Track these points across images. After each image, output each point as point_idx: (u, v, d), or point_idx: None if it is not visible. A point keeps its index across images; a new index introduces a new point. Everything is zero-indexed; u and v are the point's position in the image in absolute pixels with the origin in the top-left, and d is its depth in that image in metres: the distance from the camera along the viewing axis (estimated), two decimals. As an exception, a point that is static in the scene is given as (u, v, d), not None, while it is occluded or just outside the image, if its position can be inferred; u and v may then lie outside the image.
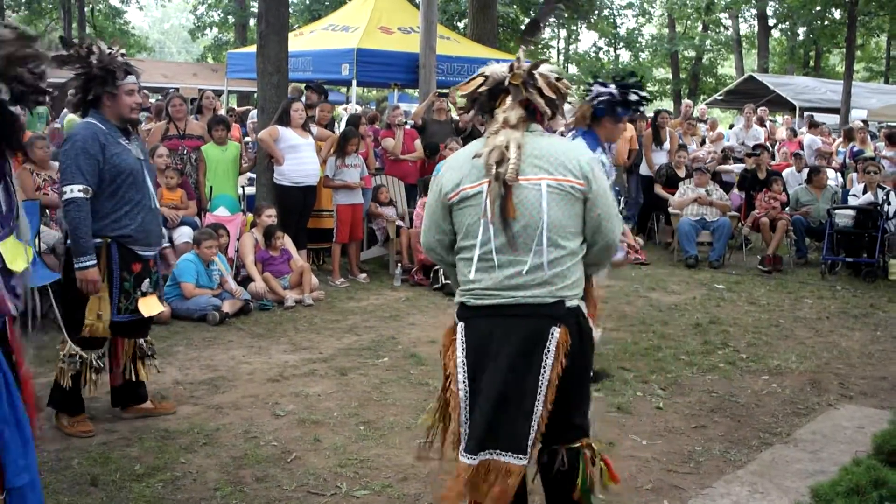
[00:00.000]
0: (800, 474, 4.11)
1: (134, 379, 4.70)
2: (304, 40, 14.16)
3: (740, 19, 36.31)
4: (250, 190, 9.34)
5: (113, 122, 4.40)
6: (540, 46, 34.21)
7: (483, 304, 2.89)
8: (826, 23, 28.41)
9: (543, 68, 2.97)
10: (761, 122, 15.28)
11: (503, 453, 2.82)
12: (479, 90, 3.00)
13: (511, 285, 2.84)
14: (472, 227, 2.89)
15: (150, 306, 4.52)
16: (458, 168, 2.97)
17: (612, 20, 36.03)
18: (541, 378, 2.81)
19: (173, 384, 5.27)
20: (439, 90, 12.02)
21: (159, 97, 17.15)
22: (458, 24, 24.56)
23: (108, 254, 4.35)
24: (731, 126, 17.75)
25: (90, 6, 39.90)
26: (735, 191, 11.47)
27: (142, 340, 4.71)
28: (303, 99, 9.55)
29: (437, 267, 8.27)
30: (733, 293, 8.48)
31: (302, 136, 8.21)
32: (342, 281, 8.41)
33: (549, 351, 2.81)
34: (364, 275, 8.68)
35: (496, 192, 2.81)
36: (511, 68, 2.95)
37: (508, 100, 2.94)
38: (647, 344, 6.37)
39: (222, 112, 11.36)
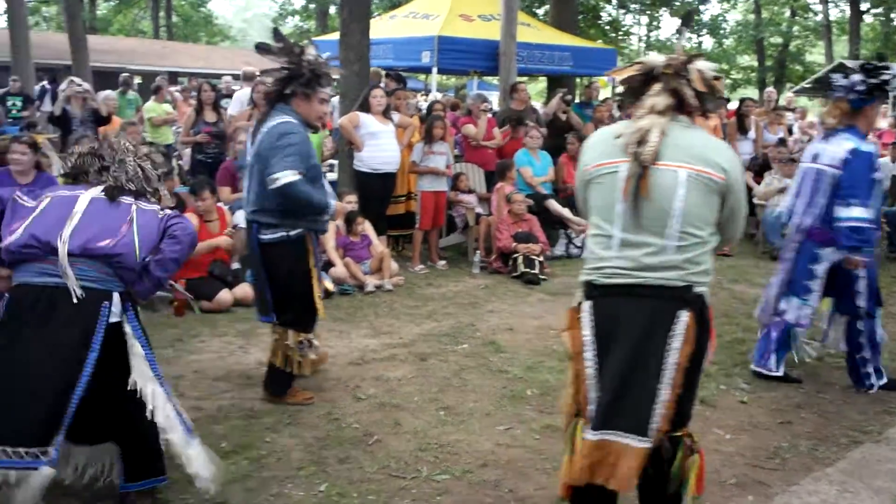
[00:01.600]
0: (892, 475, 3.99)
1: None
2: (384, 28, 14.25)
3: (830, 4, 35.11)
4: (332, 176, 9.45)
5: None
6: (621, 33, 33.73)
7: (611, 283, 2.94)
8: (923, 7, 27.27)
9: (700, 63, 3.01)
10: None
11: (625, 434, 2.85)
12: (635, 76, 3.08)
13: (640, 266, 2.90)
14: (606, 204, 2.97)
15: (326, 283, 4.90)
16: (599, 146, 3.08)
17: (695, 6, 35.24)
18: (665, 361, 2.85)
19: (257, 365, 5.38)
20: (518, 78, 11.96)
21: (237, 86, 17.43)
22: (538, 10, 24.38)
23: (311, 242, 4.64)
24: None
25: (177, -5, 40.74)
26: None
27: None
28: (382, 85, 9.61)
29: (515, 254, 8.26)
30: (820, 287, 8.23)
31: (382, 122, 8.26)
32: (421, 267, 8.46)
33: (674, 334, 2.85)
34: (443, 262, 8.72)
35: (632, 171, 2.89)
36: (667, 59, 3.02)
37: (657, 86, 3.00)
38: (731, 337, 6.23)
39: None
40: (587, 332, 2.98)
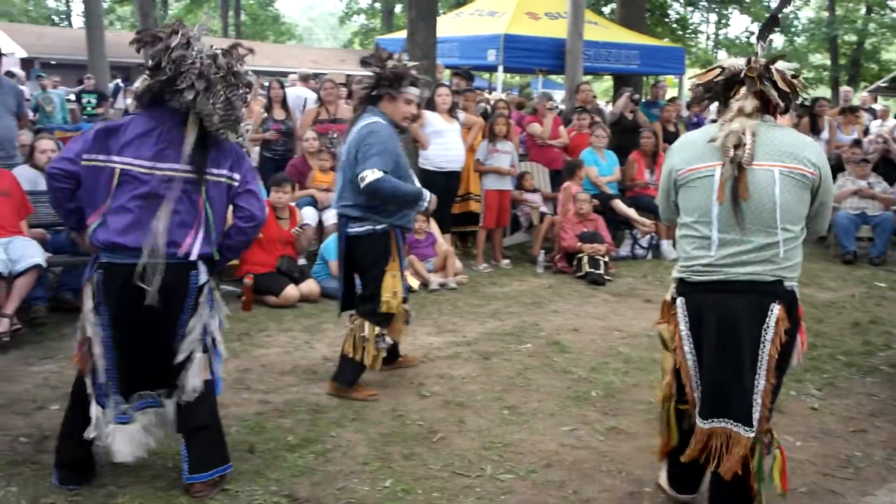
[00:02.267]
0: (972, 487, 3.85)
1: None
2: (450, 26, 14.28)
3: (909, 0, 34.04)
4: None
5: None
6: (689, 31, 33.21)
7: (704, 280, 3.13)
8: None
9: (780, 64, 3.15)
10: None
11: (731, 422, 3.07)
12: (716, 80, 3.23)
13: (734, 262, 3.07)
14: (699, 206, 3.14)
15: (411, 280, 5.03)
16: (690, 149, 3.23)
17: (766, 3, 34.49)
18: (760, 352, 3.04)
19: (323, 360, 5.44)
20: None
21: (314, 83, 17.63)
22: (605, 8, 24.15)
23: (395, 238, 4.81)
24: (896, 115, 16.72)
25: (245, -6, 41.38)
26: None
27: (407, 306, 5.06)
28: (446, 83, 9.62)
29: (580, 254, 8.20)
30: (896, 292, 8.01)
31: (448, 121, 8.27)
32: (485, 266, 8.46)
33: (768, 327, 3.03)
34: (507, 260, 8.70)
35: (729, 173, 3.04)
36: (748, 62, 3.15)
37: (743, 90, 3.17)
38: (802, 342, 6.08)
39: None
40: (683, 328, 3.20)
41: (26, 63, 23.22)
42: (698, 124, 11.47)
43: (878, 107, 15.52)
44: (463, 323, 6.45)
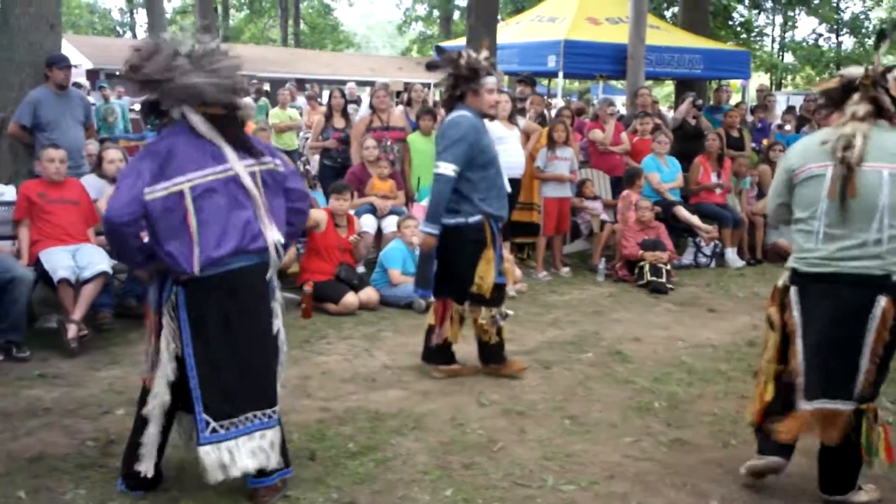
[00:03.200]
0: None
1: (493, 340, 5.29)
2: (510, 32, 14.26)
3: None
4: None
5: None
6: (754, 34, 32.63)
7: (816, 272, 3.44)
8: None
9: (895, 72, 3.47)
10: None
11: (837, 402, 3.42)
12: (834, 87, 3.57)
13: (844, 256, 3.37)
14: (813, 203, 3.46)
15: (510, 274, 5.21)
16: (806, 151, 3.56)
17: (834, 4, 33.72)
18: (865, 339, 3.36)
19: (382, 368, 5.45)
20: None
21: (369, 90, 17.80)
22: (667, 12, 23.87)
23: (489, 226, 5.05)
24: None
25: (304, 3, 41.98)
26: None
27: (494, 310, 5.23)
28: (507, 89, 9.59)
29: (641, 263, 8.08)
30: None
31: (507, 127, 8.22)
32: (545, 274, 8.39)
33: (873, 317, 3.34)
34: (567, 269, 8.62)
35: (840, 173, 3.35)
36: (865, 70, 3.48)
37: (857, 96, 3.47)
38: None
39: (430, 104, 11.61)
40: (797, 314, 3.52)
41: (91, 74, 23.83)
42: (763, 130, 11.24)
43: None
44: (523, 331, 6.39)
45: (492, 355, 5.30)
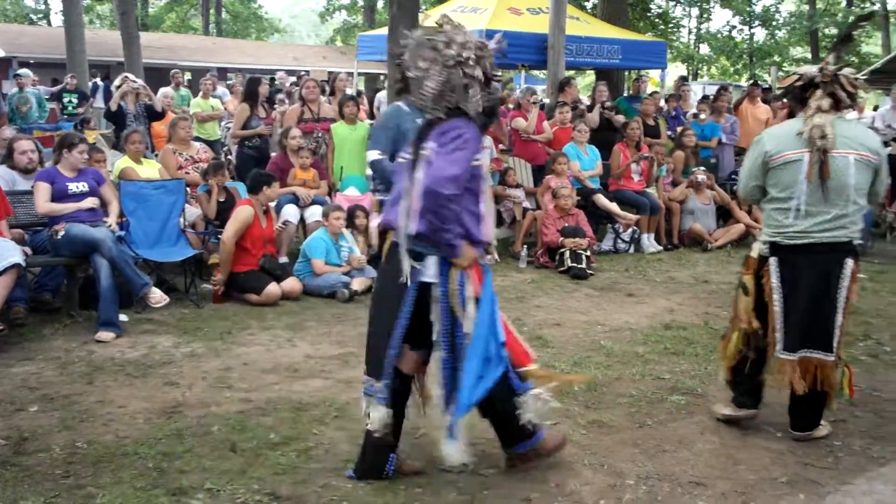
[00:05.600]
0: (950, 475, 3.89)
1: None
2: (432, 22, 14.22)
3: (888, -7, 34.23)
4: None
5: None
6: (671, 26, 33.28)
7: (794, 244, 4.05)
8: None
9: (846, 71, 4.11)
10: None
11: (819, 351, 4.06)
12: (795, 84, 4.16)
13: (819, 229, 4.01)
14: (791, 185, 4.04)
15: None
16: (782, 139, 4.12)
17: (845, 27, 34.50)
18: (839, 295, 4.02)
19: (305, 358, 5.43)
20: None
21: (294, 80, 17.60)
22: (587, 3, 24.17)
23: None
24: (876, 108, 16.81)
25: (227, -8, 41.10)
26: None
27: None
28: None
29: (562, 249, 8.21)
30: (876, 283, 8.06)
31: (430, 117, 8.25)
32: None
33: (844, 276, 4.04)
34: (489, 256, 8.68)
35: (816, 159, 3.95)
36: (821, 69, 4.08)
37: (819, 92, 4.06)
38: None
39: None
40: (775, 281, 4.11)
41: (4, 62, 23.04)
42: (677, 118, 11.52)
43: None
44: (446, 319, 6.43)
45: None
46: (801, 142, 4.02)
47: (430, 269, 3.50)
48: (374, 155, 5.26)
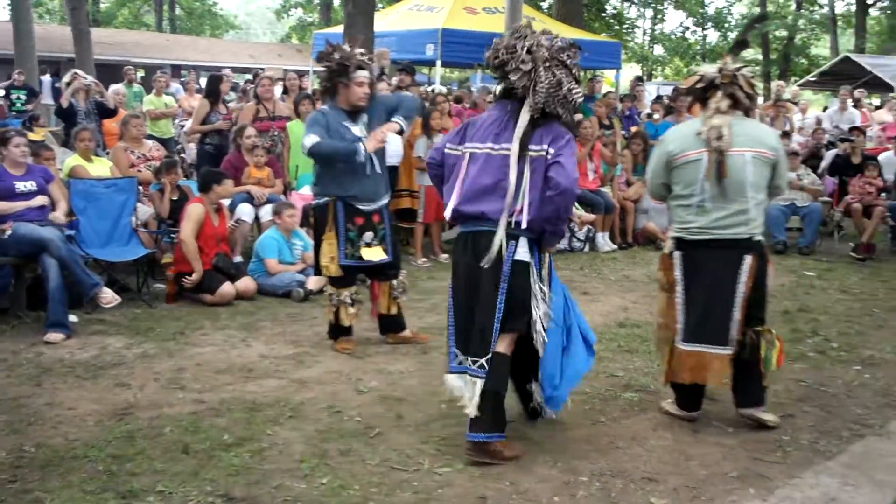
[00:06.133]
0: (893, 468, 3.99)
1: (391, 312, 5.71)
2: (388, 20, 14.24)
3: (836, -3, 34.96)
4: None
5: (343, 107, 5.43)
6: (625, 26, 33.60)
7: (696, 239, 4.18)
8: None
9: (744, 71, 4.27)
10: (857, 105, 14.70)
11: (712, 346, 4.19)
12: (696, 85, 4.33)
13: (719, 225, 4.13)
14: (692, 183, 4.16)
15: (372, 254, 5.48)
16: (683, 139, 4.24)
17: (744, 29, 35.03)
18: (736, 292, 4.15)
19: (259, 358, 5.39)
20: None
21: (248, 78, 17.44)
22: (543, 3, 24.31)
23: (334, 209, 5.39)
24: (825, 109, 17.16)
25: (181, -12, 40.57)
26: (827, 175, 11.09)
27: (394, 281, 5.66)
28: (385, 77, 9.58)
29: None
30: (824, 281, 8.23)
31: (386, 115, 8.23)
32: (424, 261, 8.46)
33: (742, 272, 4.15)
34: (446, 255, 8.71)
35: (714, 158, 4.08)
36: (720, 70, 4.22)
37: (719, 94, 4.19)
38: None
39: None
40: (678, 273, 4.26)
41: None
42: (631, 118, 11.64)
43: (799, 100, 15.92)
44: (402, 318, 6.43)
45: (331, 331, 5.65)
46: (700, 142, 4.15)
47: (522, 249, 3.92)
48: (312, 140, 5.23)
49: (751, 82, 4.27)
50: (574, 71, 3.94)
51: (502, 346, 3.92)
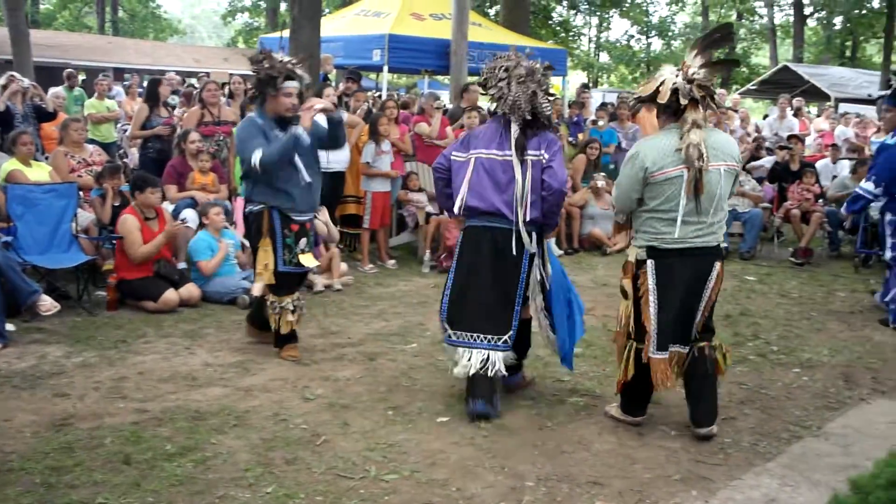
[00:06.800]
0: (831, 468, 4.07)
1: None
2: (335, 25, 14.18)
3: (775, 8, 35.80)
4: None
5: (270, 116, 5.37)
6: (571, 34, 33.95)
7: (671, 248, 4.28)
8: (864, 12, 27.91)
9: (701, 78, 4.29)
10: (796, 113, 15.05)
11: (679, 346, 4.38)
12: (667, 96, 4.23)
13: (692, 236, 4.26)
14: (673, 198, 4.21)
15: (308, 260, 5.52)
16: (661, 156, 4.22)
17: (644, 8, 35.66)
18: (704, 295, 4.34)
19: (203, 366, 5.32)
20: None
21: (192, 82, 17.19)
22: (490, 10, 24.45)
23: (269, 217, 5.34)
24: (765, 116, 17.53)
25: (123, -11, 39.90)
26: (766, 182, 11.33)
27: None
28: (331, 83, 9.54)
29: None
30: (764, 285, 8.41)
31: (332, 121, 8.20)
32: (371, 267, 8.44)
33: (711, 278, 4.33)
34: (393, 261, 8.70)
35: (693, 175, 4.16)
36: (690, 81, 4.21)
37: (699, 108, 4.22)
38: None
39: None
40: (651, 282, 4.31)
41: None
42: (578, 124, 11.76)
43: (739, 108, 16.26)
44: (348, 324, 6.41)
45: (276, 339, 5.55)
46: (679, 158, 4.18)
47: (533, 241, 4.62)
48: (258, 154, 5.14)
49: (711, 90, 4.33)
50: (545, 87, 4.60)
51: (524, 313, 4.74)
